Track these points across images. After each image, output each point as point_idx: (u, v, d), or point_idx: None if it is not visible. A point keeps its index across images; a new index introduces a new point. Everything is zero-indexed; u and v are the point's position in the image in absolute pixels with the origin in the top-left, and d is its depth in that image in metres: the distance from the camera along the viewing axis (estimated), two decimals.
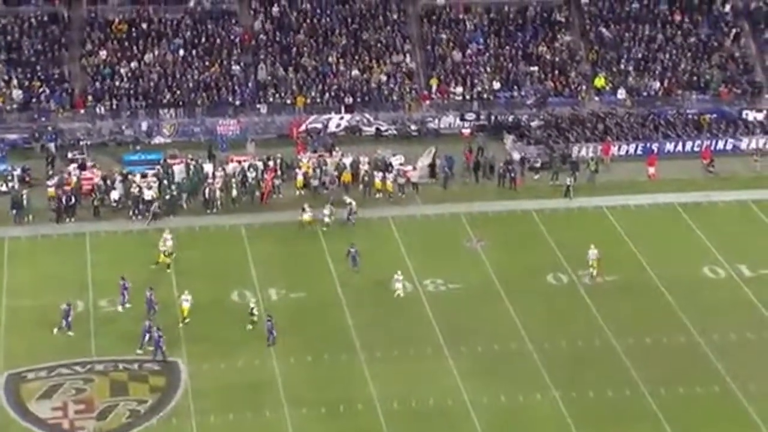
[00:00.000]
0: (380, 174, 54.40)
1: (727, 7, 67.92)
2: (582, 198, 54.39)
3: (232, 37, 62.94)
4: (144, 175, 52.40)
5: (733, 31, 66.74)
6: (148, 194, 51.17)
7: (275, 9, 64.60)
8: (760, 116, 62.81)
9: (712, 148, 59.78)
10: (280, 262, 47.49)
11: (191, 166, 53.79)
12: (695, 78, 64.62)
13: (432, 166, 55.55)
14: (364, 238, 49.52)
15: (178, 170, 53.61)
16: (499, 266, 47.82)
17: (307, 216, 50.56)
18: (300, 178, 54.51)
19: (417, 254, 48.49)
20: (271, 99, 61.16)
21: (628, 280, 47.20)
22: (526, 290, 46.18)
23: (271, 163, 54.64)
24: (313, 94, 61.60)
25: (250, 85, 61.44)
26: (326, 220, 49.79)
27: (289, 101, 61.15)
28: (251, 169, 53.91)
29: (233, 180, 53.04)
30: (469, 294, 45.78)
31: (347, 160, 55.40)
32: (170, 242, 46.77)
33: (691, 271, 47.94)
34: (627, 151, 60.02)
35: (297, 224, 50.12)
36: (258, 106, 60.89)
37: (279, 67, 62.26)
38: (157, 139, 59.08)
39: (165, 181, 52.52)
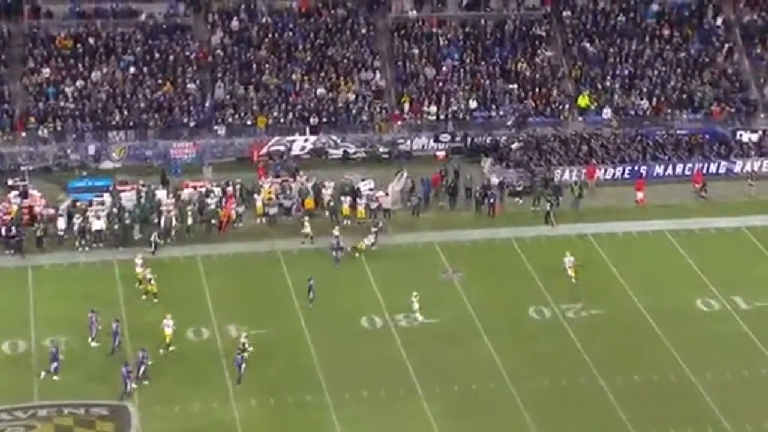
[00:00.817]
0: (348, 199, 54.69)
1: (719, 21, 68.92)
2: (565, 225, 54.70)
3: (187, 53, 63.22)
4: (91, 203, 52.34)
5: (726, 46, 67.73)
6: (96, 224, 51.11)
7: (234, 23, 65.21)
8: (754, 137, 63.71)
9: (704, 171, 60.44)
10: (239, 297, 47.49)
11: (143, 193, 53.75)
12: (685, 96, 65.38)
13: (412, 190, 55.91)
14: (331, 268, 49.92)
15: (129, 198, 53.57)
16: (476, 299, 48.01)
17: (307, 229, 51.42)
18: (259, 204, 54.59)
19: (388, 286, 48.63)
20: (229, 120, 61.48)
21: (615, 313, 47.43)
22: (506, 325, 46.35)
23: (229, 189, 54.79)
24: (275, 114, 61.95)
25: (206, 104, 61.75)
26: (366, 243, 50.68)
27: (249, 122, 61.53)
28: (209, 196, 54.03)
29: (189, 208, 53.00)
30: (445, 329, 45.78)
31: (310, 185, 55.75)
32: (141, 269, 47.13)
33: (683, 304, 48.23)
34: (613, 175, 60.55)
35: (301, 237, 51.18)
36: (215, 127, 61.20)
37: (238, 85, 62.68)
38: (106, 164, 59.11)
39: (114, 210, 52.43)
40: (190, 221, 52.46)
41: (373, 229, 51.56)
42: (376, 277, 49.44)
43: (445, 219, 55.42)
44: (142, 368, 40.99)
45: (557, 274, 49.59)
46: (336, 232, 51.04)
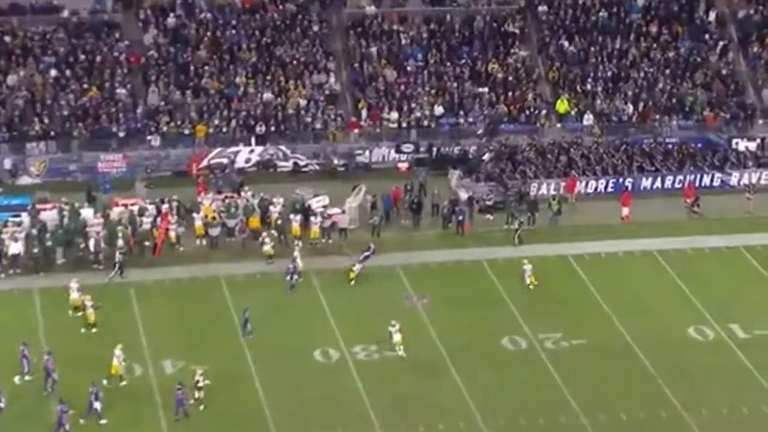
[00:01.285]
0: (298, 218, 54.74)
1: (712, 16, 70.03)
2: (543, 245, 55.00)
3: (116, 53, 63.29)
4: (6, 224, 52.06)
5: (719, 44, 68.65)
6: (14, 248, 50.88)
7: (169, 19, 65.46)
8: (752, 146, 64.37)
9: (697, 183, 60.99)
10: (176, 328, 47.49)
11: (66, 213, 53.42)
12: (675, 100, 66.10)
13: (373, 207, 56.07)
14: (280, 295, 49.99)
15: (50, 217, 53.22)
16: (444, 328, 48.12)
17: (267, 247, 51.94)
18: (199, 224, 54.62)
19: (345, 315, 48.82)
20: (164, 129, 61.51)
21: (598, 343, 47.49)
22: (477, 357, 46.39)
23: (165, 207, 54.62)
24: (216, 122, 62.24)
25: (138, 111, 61.72)
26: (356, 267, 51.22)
27: (187, 131, 61.66)
28: (143, 215, 53.97)
29: (119, 228, 52.78)
30: (409, 362, 45.78)
31: (256, 202, 55.82)
32: (78, 294, 47.19)
33: (675, 332, 48.50)
34: (595, 188, 61.07)
35: (263, 257, 51.89)
36: (149, 137, 61.18)
37: (174, 89, 62.80)
38: (24, 180, 59.06)
39: (34, 231, 51.94)
40: (120, 243, 52.09)
41: (365, 253, 51.80)
42: (332, 304, 49.60)
43: (409, 239, 55.76)
44: (96, 405, 40.81)
45: (534, 299, 50.19)
46: (296, 253, 51.27)
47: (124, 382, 43.27)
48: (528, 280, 50.72)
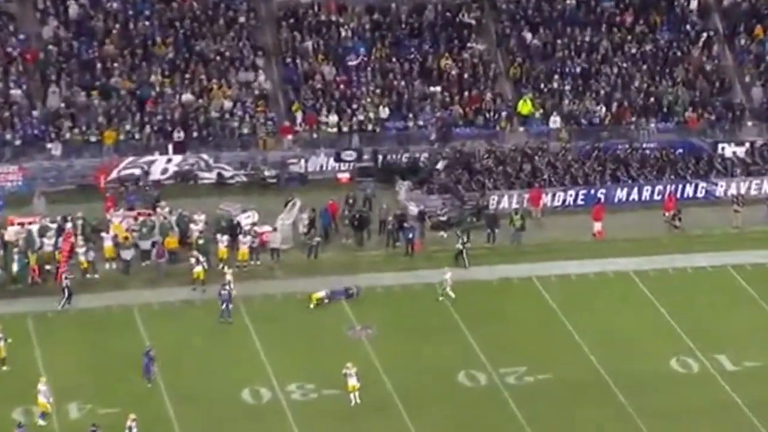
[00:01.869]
0: (224, 237, 54.80)
1: (694, 4, 70.56)
2: (504, 266, 55.38)
3: (9, 49, 62.86)
4: None
5: (703, 35, 69.45)
6: None
7: (72, 10, 64.78)
8: (740, 151, 65.09)
9: (678, 194, 61.67)
10: (83, 365, 47.28)
11: None
12: (653, 100, 66.78)
13: (311, 224, 56.30)
14: (204, 326, 50.07)
15: None
16: (392, 363, 48.23)
17: (198, 269, 52.37)
18: (109, 245, 54.50)
19: (278, 348, 48.82)
20: (67, 135, 61.18)
21: (568, 378, 47.70)
22: (430, 395, 46.47)
23: (68, 226, 54.51)
24: (127, 127, 62.00)
25: (35, 115, 61.37)
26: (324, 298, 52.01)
27: (93, 138, 61.37)
28: (46, 235, 53.86)
29: (15, 251, 52.57)
30: (351, 402, 45.73)
31: (174, 219, 55.85)
32: None
33: (654, 365, 48.74)
34: (564, 201, 61.62)
35: (190, 281, 52.39)
36: (49, 145, 60.84)
37: (78, 90, 62.43)
38: None
39: None
40: (16, 268, 52.04)
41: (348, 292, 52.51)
42: (263, 337, 49.61)
43: (351, 260, 56.05)
44: None
45: (494, 327, 50.51)
46: (229, 277, 51.38)
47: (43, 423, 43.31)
48: (445, 290, 51.50)
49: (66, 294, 50.81)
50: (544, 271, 54.95)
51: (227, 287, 51.03)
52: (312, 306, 51.70)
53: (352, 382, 45.33)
